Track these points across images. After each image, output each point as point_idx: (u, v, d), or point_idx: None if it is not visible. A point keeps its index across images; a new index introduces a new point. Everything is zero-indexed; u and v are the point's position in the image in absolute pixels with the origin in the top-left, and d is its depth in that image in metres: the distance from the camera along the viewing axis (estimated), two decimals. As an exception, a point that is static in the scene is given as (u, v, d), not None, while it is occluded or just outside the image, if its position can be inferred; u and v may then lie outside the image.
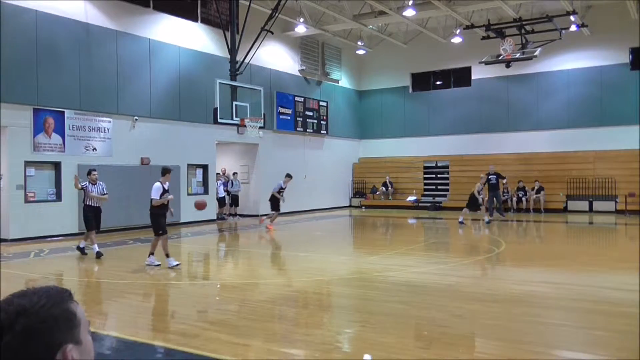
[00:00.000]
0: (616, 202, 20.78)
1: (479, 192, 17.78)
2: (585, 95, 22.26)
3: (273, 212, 16.92)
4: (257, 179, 21.23)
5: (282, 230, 17.39)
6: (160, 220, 9.80)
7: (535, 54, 18.77)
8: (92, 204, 11.19)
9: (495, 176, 19.20)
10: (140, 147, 16.49)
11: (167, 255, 9.69)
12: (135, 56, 16.48)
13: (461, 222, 17.39)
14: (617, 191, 20.97)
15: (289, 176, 17.17)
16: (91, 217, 11.15)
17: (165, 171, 9.98)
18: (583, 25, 20.46)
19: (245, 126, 18.12)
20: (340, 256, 12.00)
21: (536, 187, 21.70)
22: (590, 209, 21.16)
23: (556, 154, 22.52)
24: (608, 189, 21.14)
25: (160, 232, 9.75)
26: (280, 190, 17.00)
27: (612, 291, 7.83)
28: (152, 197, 9.76)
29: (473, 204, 17.83)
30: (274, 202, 16.95)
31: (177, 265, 9.67)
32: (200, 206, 10.08)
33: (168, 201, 9.87)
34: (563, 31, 19.37)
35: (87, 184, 11.19)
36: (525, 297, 7.35)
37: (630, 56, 21.71)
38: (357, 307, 7.28)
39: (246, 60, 18.54)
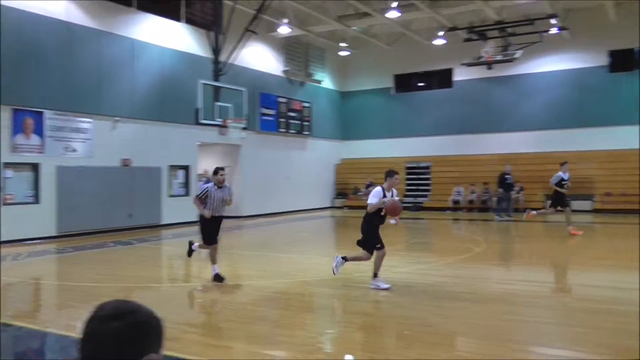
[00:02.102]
0: (593, 201, 21.09)
1: None
2: (564, 96, 22.57)
3: (564, 209, 14.35)
4: (239, 180, 21.14)
5: (264, 231, 17.35)
6: (376, 232, 7.91)
7: (516, 56, 18.98)
8: (215, 214, 8.64)
9: (510, 176, 19.41)
10: (122, 148, 16.32)
11: (375, 275, 7.89)
12: (118, 56, 16.32)
13: None
14: (594, 191, 21.28)
15: (563, 164, 14.42)
16: (212, 229, 8.76)
17: (391, 173, 8.13)
18: (563, 28, 20.72)
19: (227, 127, 18.07)
20: (322, 257, 11.99)
21: (517, 188, 21.92)
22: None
23: (536, 154, 22.78)
24: (586, 189, 21.41)
25: (379, 245, 7.85)
26: (562, 182, 14.19)
27: (590, 288, 7.93)
28: (368, 202, 7.88)
29: None
30: (560, 197, 14.29)
31: (388, 288, 7.73)
32: (393, 211, 7.85)
33: (386, 209, 7.79)
34: (544, 34, 19.61)
35: (211, 188, 8.59)
36: (506, 296, 7.41)
37: (609, 59, 22.09)
38: (339, 308, 7.28)
39: (229, 61, 18.48)
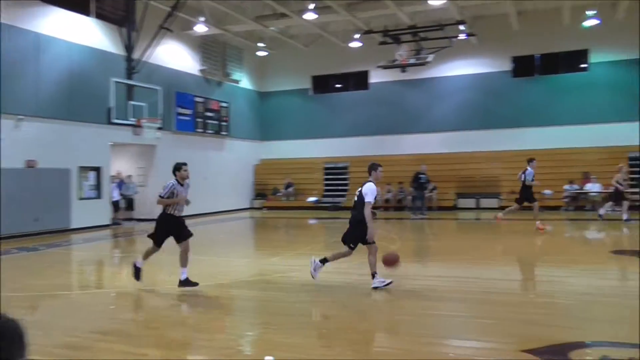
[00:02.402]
0: (500, 199, 22.32)
1: (620, 184, 16.06)
2: (473, 99, 23.79)
3: (533, 204, 14.83)
4: (155, 181, 20.50)
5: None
6: (363, 230, 7.66)
7: (428, 59, 19.72)
8: (176, 213, 8.08)
9: (425, 176, 20.03)
10: (26, 148, 15.35)
11: (374, 275, 7.72)
12: (21, 50, 15.34)
13: (600, 216, 16.57)
14: (500, 189, 22.54)
15: (532, 161, 14.82)
16: (170, 230, 8.09)
17: (375, 166, 8.05)
18: (471, 35, 21.78)
19: (142, 127, 17.50)
20: (242, 259, 11.91)
21: (430, 187, 22.78)
22: (477, 206, 22.57)
23: (447, 154, 23.82)
24: (492, 187, 22.66)
25: (353, 246, 7.80)
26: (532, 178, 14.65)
27: (498, 282, 8.38)
28: (367, 201, 7.66)
29: (617, 196, 16.22)
30: (530, 193, 14.76)
31: (389, 284, 7.67)
32: (390, 262, 7.83)
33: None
34: (453, 39, 20.52)
35: (175, 185, 8.02)
36: (421, 291, 7.69)
37: (512, 64, 23.50)
38: (259, 310, 7.26)
39: (144, 59, 17.90)
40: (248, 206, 26.03)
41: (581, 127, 21.97)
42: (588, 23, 20.79)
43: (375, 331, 6.09)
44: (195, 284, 7.84)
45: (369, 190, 7.70)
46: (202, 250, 13.26)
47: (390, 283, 7.67)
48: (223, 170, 24.08)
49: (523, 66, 23.47)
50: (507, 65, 23.53)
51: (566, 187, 21.41)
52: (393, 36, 20.18)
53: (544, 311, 6.51)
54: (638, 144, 20.72)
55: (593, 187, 21.01)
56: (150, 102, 17.74)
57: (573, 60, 22.99)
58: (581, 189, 21.41)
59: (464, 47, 22.78)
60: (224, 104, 24.02)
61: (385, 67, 20.75)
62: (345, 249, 7.86)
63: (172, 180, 8.07)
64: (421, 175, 20.04)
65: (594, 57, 22.33)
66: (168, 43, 20.01)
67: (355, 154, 25.19)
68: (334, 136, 25.77)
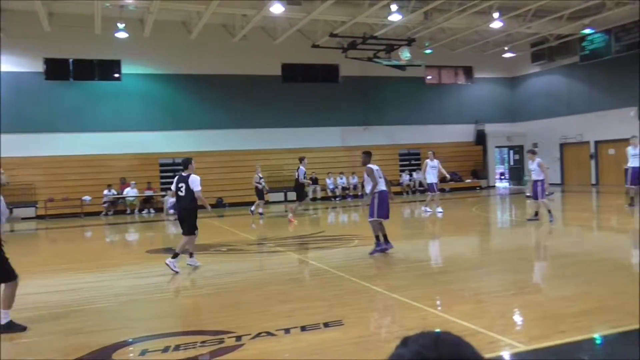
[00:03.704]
0: (36, 207, 21.16)
1: (258, 182, 17.80)
2: (3, 99, 21.52)
3: (298, 202, 16.54)
4: None
5: None
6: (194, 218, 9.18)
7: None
8: None
9: None
10: None
11: (191, 254, 9.40)
12: None
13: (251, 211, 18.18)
14: (37, 197, 21.33)
15: (304, 159, 16.41)
16: None
17: (190, 160, 9.34)
18: (-4, 28, 19.76)
19: None
20: None
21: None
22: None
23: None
24: (29, 195, 21.20)
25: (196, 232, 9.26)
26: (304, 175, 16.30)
27: (32, 296, 7.88)
28: (197, 190, 9.07)
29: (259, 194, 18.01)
30: (303, 189, 16.35)
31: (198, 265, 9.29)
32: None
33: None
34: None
35: None
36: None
37: (45, 66, 22.46)
38: None
39: None
40: None
41: (116, 134, 22.85)
42: (119, 35, 21.58)
43: None
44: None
45: (196, 181, 8.93)
46: None
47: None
48: None
49: (57, 69, 22.76)
50: (39, 66, 22.35)
51: (105, 192, 21.93)
52: None
53: (85, 319, 6.53)
54: (168, 151, 23.17)
55: (131, 192, 22.22)
56: None
57: (107, 68, 23.69)
58: (120, 193, 22.33)
59: (-11, 41, 20.50)
60: None
61: None
62: (193, 236, 9.14)
63: None
64: None
65: (126, 68, 23.57)
66: None
67: None
68: None
